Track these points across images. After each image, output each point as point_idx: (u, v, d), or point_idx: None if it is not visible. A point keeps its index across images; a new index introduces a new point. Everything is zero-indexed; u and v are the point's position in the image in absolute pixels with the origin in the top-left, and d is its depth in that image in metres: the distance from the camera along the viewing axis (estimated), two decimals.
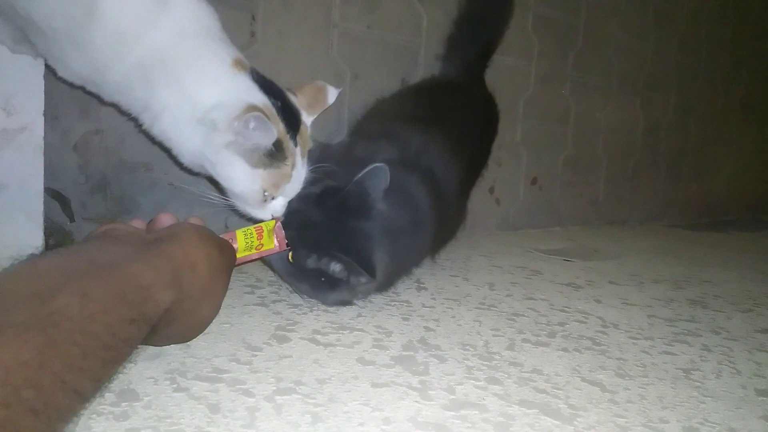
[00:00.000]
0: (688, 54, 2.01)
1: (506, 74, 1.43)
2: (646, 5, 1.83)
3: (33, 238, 0.82)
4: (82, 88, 0.73)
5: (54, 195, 0.88)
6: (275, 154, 0.69)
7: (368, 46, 1.18)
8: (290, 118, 0.71)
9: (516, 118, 1.50)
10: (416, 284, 0.94)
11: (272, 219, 0.74)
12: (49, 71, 0.74)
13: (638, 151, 1.91)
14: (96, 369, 0.39)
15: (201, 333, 0.60)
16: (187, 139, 0.69)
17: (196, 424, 0.47)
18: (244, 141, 0.66)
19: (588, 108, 1.70)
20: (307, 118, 0.76)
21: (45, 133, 0.82)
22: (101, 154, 0.91)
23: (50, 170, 0.85)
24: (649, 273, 1.22)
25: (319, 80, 0.80)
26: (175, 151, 0.72)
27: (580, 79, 1.65)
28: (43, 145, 0.81)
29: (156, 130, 0.70)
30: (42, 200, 0.83)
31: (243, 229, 0.72)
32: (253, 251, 0.72)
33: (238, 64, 0.69)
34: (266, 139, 0.66)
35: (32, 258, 0.45)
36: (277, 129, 0.67)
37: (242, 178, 0.70)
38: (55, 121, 0.86)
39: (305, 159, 0.75)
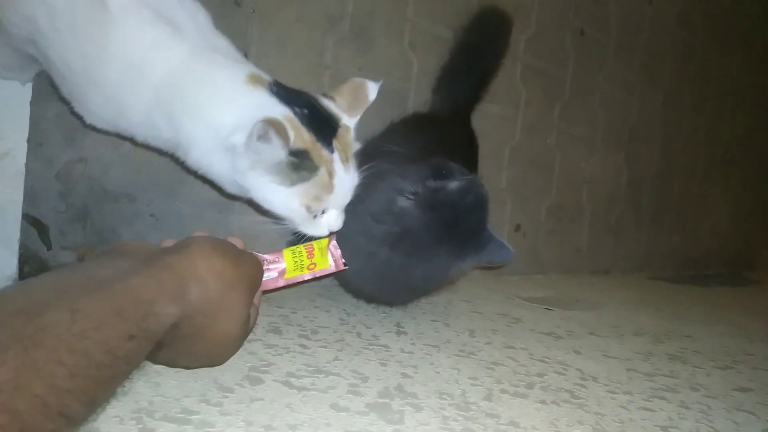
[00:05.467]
0: (672, 109, 2.06)
1: (493, 122, 1.45)
2: (633, 61, 1.87)
3: (6, 265, 0.80)
4: (118, 135, 0.72)
5: (32, 222, 0.86)
6: (303, 165, 0.64)
7: None
8: (322, 124, 0.67)
9: (501, 165, 1.51)
10: (396, 328, 0.93)
11: (326, 237, 0.71)
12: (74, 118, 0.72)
13: (622, 202, 1.93)
14: (87, 390, 0.37)
15: (232, 352, 0.58)
16: (220, 169, 0.67)
17: None
18: (260, 157, 0.62)
19: (573, 158, 1.72)
20: (349, 121, 0.71)
21: (28, 159, 0.81)
22: (84, 183, 0.90)
23: (31, 197, 0.84)
24: (630, 325, 1.22)
25: (356, 77, 0.74)
26: (216, 182, 0.70)
27: (566, 129, 1.68)
28: (24, 172, 0.81)
29: (193, 164, 0.69)
30: (19, 227, 0.82)
31: (292, 247, 0.70)
32: (305, 271, 0.69)
33: (253, 79, 0.66)
34: (276, 151, 0.61)
35: (28, 279, 0.44)
36: (299, 137, 0.63)
37: (279, 199, 0.66)
38: (39, 148, 0.85)
39: (351, 163, 0.70)
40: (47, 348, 0.36)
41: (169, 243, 0.58)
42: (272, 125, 0.59)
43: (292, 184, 0.65)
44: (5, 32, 0.67)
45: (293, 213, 0.67)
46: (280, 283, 0.68)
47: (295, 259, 0.69)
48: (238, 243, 0.62)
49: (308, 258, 0.69)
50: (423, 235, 0.82)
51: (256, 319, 0.62)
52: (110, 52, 0.62)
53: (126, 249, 0.52)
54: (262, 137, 0.60)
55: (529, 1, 1.51)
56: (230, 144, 0.63)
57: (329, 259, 0.71)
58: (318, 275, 0.71)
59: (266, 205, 0.68)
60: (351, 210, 0.74)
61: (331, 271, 0.71)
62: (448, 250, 0.83)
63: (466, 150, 1.21)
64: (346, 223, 0.73)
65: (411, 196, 0.82)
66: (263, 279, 0.64)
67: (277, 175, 0.64)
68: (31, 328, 0.36)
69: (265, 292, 0.68)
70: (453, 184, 0.82)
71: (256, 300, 0.61)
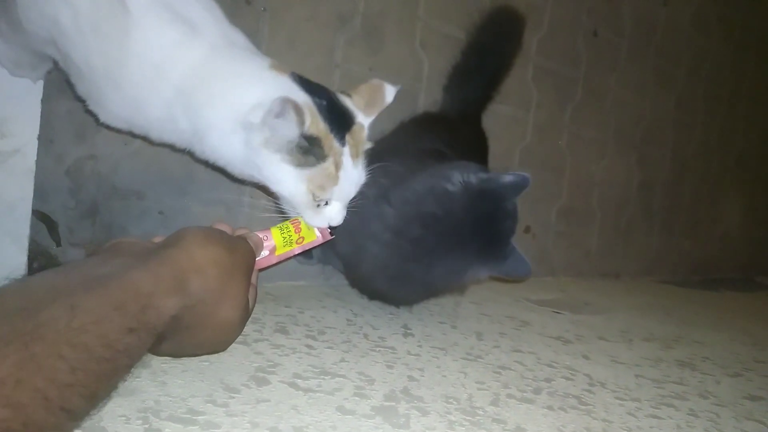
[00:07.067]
0: (684, 112, 2.04)
1: (504, 122, 1.44)
2: (645, 63, 1.86)
3: (16, 261, 0.81)
4: (131, 133, 0.72)
5: (42, 218, 0.87)
6: (312, 151, 0.65)
7: None
8: (338, 117, 0.68)
9: (512, 166, 1.50)
10: (403, 329, 0.93)
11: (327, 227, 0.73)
12: (88, 115, 0.73)
13: (632, 205, 1.92)
14: (88, 384, 0.38)
15: (235, 336, 0.58)
16: (234, 149, 0.67)
17: None
18: (274, 134, 0.63)
19: (584, 160, 1.71)
20: (364, 119, 0.72)
21: (38, 156, 0.82)
22: (93, 180, 0.91)
23: (41, 193, 0.85)
24: (639, 330, 1.21)
25: (375, 78, 0.76)
26: (228, 168, 0.71)
27: (577, 131, 1.66)
28: (34, 169, 0.81)
29: (207, 151, 0.69)
30: (29, 224, 0.82)
31: (278, 224, 0.71)
32: (294, 246, 0.71)
33: (276, 67, 0.68)
34: (290, 129, 0.63)
35: (26, 276, 0.44)
36: (314, 124, 0.64)
37: (285, 179, 0.67)
38: (50, 145, 0.86)
39: (359, 160, 0.71)
40: (47, 343, 0.36)
41: (158, 240, 0.58)
42: (290, 103, 0.60)
43: (299, 166, 0.66)
44: (25, 33, 0.67)
45: (298, 197, 0.68)
46: (273, 261, 0.70)
47: (284, 235, 0.70)
48: (226, 228, 0.63)
49: (296, 233, 0.71)
50: (459, 224, 0.82)
51: (255, 299, 0.62)
52: (131, 53, 0.63)
53: (121, 247, 0.53)
54: (280, 114, 0.61)
55: (541, 1, 1.50)
56: (247, 122, 0.64)
57: (315, 231, 0.72)
58: (307, 248, 0.72)
59: (274, 186, 0.68)
60: (375, 198, 0.74)
61: (319, 243, 0.73)
62: (474, 249, 0.83)
63: (476, 150, 1.21)
64: (364, 214, 0.73)
65: (460, 183, 0.82)
66: (256, 259, 0.66)
67: (287, 154, 0.65)
68: (31, 324, 0.36)
69: (259, 270, 0.69)
70: (507, 177, 0.82)
71: (254, 279, 0.62)
